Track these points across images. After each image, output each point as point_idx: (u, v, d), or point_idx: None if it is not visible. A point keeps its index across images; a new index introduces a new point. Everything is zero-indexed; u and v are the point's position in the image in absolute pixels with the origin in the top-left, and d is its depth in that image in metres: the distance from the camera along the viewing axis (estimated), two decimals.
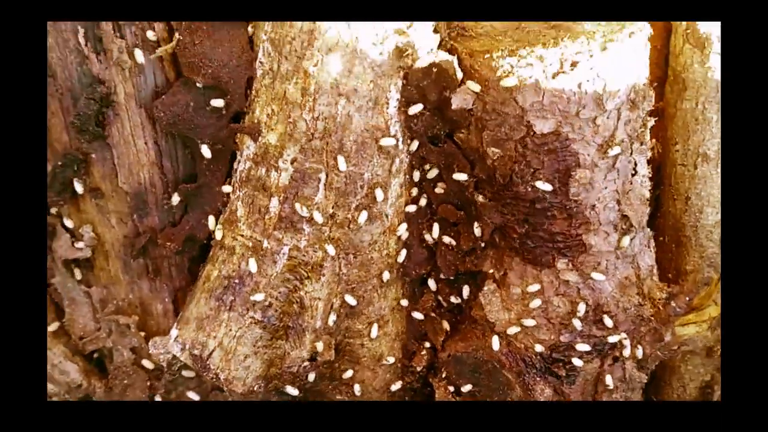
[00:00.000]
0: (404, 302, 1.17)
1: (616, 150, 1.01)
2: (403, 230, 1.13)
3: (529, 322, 1.12)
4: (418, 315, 1.21)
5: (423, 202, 1.15)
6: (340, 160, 1.02)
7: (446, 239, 1.16)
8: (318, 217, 1.05)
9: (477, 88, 0.97)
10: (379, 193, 1.06)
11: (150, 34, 1.03)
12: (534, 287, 1.10)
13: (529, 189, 1.04)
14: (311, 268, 1.09)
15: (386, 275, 1.13)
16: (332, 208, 1.06)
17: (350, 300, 1.12)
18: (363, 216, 1.07)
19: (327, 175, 1.04)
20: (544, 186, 1.02)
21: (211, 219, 1.11)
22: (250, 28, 1.04)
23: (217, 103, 1.03)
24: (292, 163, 1.03)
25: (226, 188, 1.10)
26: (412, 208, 1.14)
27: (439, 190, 1.15)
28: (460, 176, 1.09)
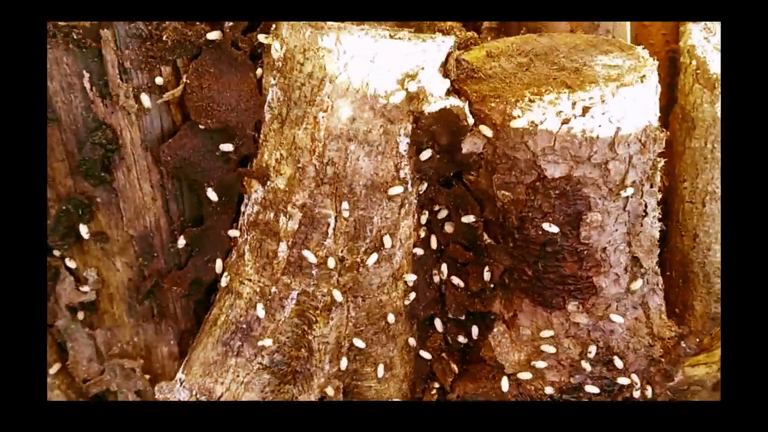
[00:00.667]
0: (412, 341, 1.16)
1: (628, 191, 1.01)
2: (411, 272, 1.12)
3: (540, 364, 1.11)
4: (426, 355, 1.19)
5: (432, 242, 1.13)
6: (350, 204, 1.01)
7: (455, 280, 1.15)
8: (328, 262, 1.03)
9: (489, 133, 0.97)
10: (387, 238, 1.05)
11: (158, 80, 1.02)
12: (545, 331, 1.09)
13: (540, 232, 1.03)
14: (320, 312, 1.08)
15: (392, 317, 1.12)
16: (341, 252, 1.05)
17: (359, 343, 1.11)
18: (372, 259, 1.06)
19: (336, 220, 1.02)
20: (553, 229, 1.01)
21: (219, 262, 1.10)
22: (258, 71, 1.03)
23: (227, 147, 1.02)
24: (300, 208, 1.02)
25: (233, 232, 1.08)
26: (420, 249, 1.13)
27: (447, 229, 1.14)
28: (469, 218, 1.08)
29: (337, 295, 1.07)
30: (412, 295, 1.15)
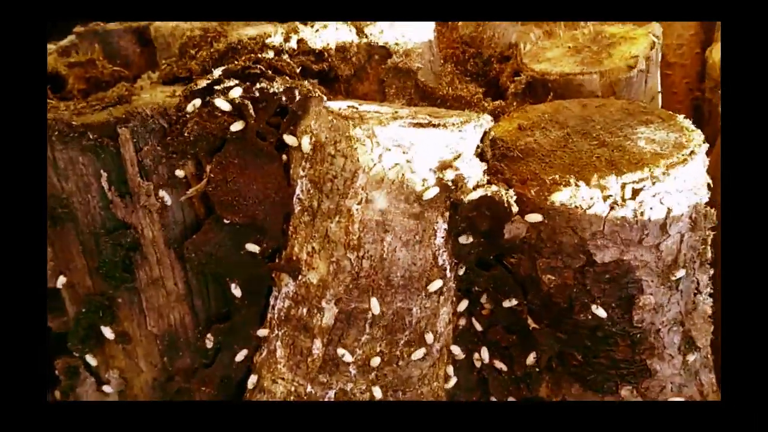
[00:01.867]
0: None
1: (681, 272, 0.95)
2: (455, 351, 1.06)
3: None
4: None
5: (473, 325, 1.08)
6: (387, 297, 0.95)
7: (498, 364, 1.09)
8: (367, 359, 0.97)
9: (538, 218, 0.91)
10: (426, 329, 0.99)
11: (179, 173, 0.97)
12: None
13: (590, 317, 0.97)
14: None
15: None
16: (380, 346, 0.99)
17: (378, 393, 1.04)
18: (413, 352, 1.00)
19: (373, 314, 0.97)
20: (602, 313, 0.95)
21: (241, 354, 1.04)
22: (284, 157, 0.98)
23: (252, 248, 0.97)
24: (336, 304, 0.96)
25: (262, 332, 1.02)
26: (461, 334, 1.07)
27: (488, 312, 1.09)
28: (511, 302, 1.02)
29: (377, 392, 1.01)
30: (453, 381, 1.09)
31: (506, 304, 1.03)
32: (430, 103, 1.14)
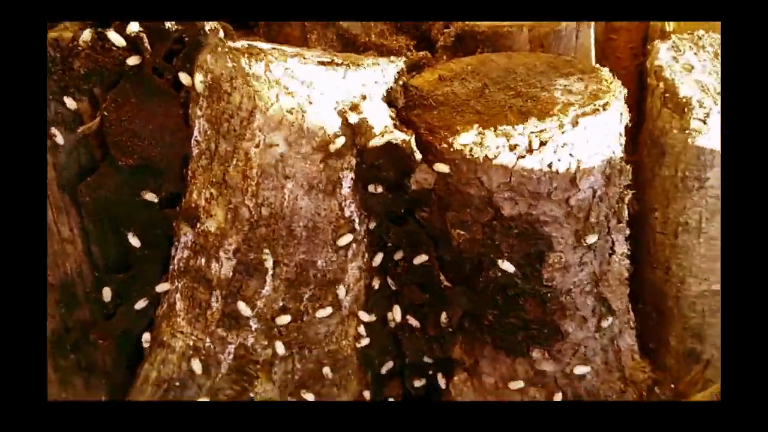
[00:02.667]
0: (366, 394, 1.06)
1: (592, 239, 0.92)
2: (363, 316, 1.02)
3: None
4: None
5: (387, 283, 1.04)
6: (289, 248, 0.91)
7: (411, 321, 1.05)
8: (267, 312, 0.93)
9: (445, 169, 0.87)
10: (334, 281, 0.95)
11: (69, 102, 0.91)
12: (509, 379, 0.99)
13: (499, 273, 0.94)
14: (261, 366, 0.98)
15: (343, 367, 1.02)
16: (282, 301, 0.95)
17: (308, 396, 1.01)
18: (318, 307, 0.96)
19: (275, 266, 0.92)
20: (509, 268, 0.92)
21: (141, 303, 0.99)
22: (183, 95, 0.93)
23: (150, 196, 0.92)
24: (234, 254, 0.92)
25: (161, 287, 0.98)
26: (374, 291, 1.03)
27: (402, 270, 1.05)
28: (422, 259, 0.98)
29: (280, 348, 0.97)
30: (365, 341, 1.05)
31: (418, 260, 1.00)
32: (352, 51, 1.09)
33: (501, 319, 0.98)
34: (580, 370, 1.00)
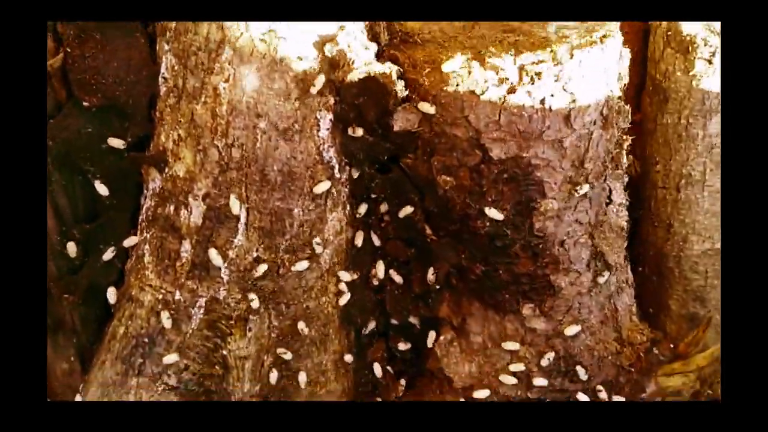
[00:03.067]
0: (348, 358, 1.00)
1: (589, 175, 0.86)
2: (344, 272, 0.96)
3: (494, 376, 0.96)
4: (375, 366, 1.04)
5: (371, 238, 0.97)
6: (263, 194, 0.85)
7: (396, 278, 0.99)
8: (240, 264, 0.87)
9: (431, 109, 0.81)
10: (311, 234, 0.89)
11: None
12: (500, 338, 0.94)
13: (487, 224, 0.88)
14: (234, 322, 0.92)
15: (323, 325, 0.96)
16: (256, 251, 0.89)
17: (285, 355, 0.95)
18: (295, 260, 0.90)
19: (248, 213, 0.86)
20: (496, 215, 0.85)
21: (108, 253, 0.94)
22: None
23: (116, 142, 0.86)
24: (204, 200, 0.86)
25: (130, 240, 0.92)
26: (357, 246, 0.97)
27: (387, 224, 0.99)
28: (407, 210, 0.92)
29: (254, 302, 0.91)
30: (347, 298, 0.99)
31: (403, 213, 0.94)
32: None
33: (490, 273, 0.93)
34: (573, 329, 0.94)
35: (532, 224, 0.87)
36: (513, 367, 0.95)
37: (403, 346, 1.05)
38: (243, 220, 0.87)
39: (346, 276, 0.97)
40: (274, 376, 0.97)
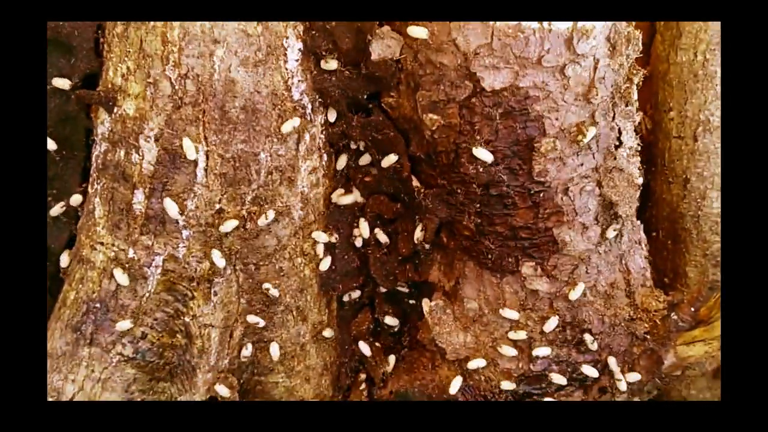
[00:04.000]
0: (328, 333, 0.89)
1: (596, 110, 0.75)
2: (321, 233, 0.86)
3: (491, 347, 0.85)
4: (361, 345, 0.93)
5: (339, 194, 0.88)
6: (224, 135, 0.75)
7: (381, 237, 0.89)
8: (200, 215, 0.77)
9: (422, 33, 0.71)
10: (281, 183, 0.78)
11: None
12: (497, 303, 0.82)
13: (481, 169, 0.77)
14: (196, 284, 0.82)
15: (300, 291, 0.86)
16: (218, 202, 0.78)
17: (257, 322, 0.84)
18: (263, 212, 0.79)
19: (207, 157, 0.76)
20: (486, 156, 0.75)
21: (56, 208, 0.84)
22: None
23: (61, 83, 0.76)
24: (156, 141, 0.75)
25: (75, 199, 0.82)
26: (338, 203, 0.88)
27: (369, 177, 0.89)
28: (390, 159, 0.82)
29: (219, 260, 0.80)
30: (327, 262, 0.88)
31: (386, 162, 0.83)
32: None
33: (484, 228, 0.82)
34: (579, 290, 0.82)
35: (531, 168, 0.76)
36: (513, 335, 0.84)
37: (391, 321, 0.94)
38: (201, 165, 0.77)
39: (323, 237, 0.86)
40: (246, 349, 0.86)
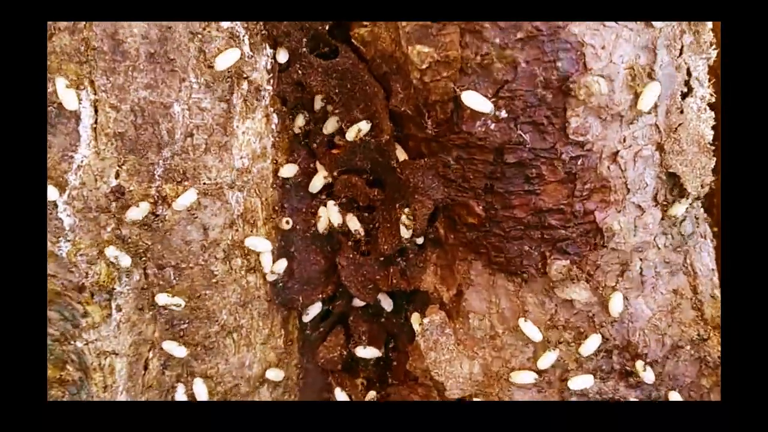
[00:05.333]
0: (276, 375, 0.67)
1: (657, 35, 0.51)
2: (273, 221, 0.67)
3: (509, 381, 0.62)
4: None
5: (295, 170, 0.68)
6: (117, 76, 0.51)
7: (354, 225, 0.69)
8: (87, 196, 0.54)
9: None
10: (210, 148, 0.60)
11: None
12: (514, 318, 0.58)
13: (492, 126, 0.53)
14: (90, 295, 0.61)
15: (241, 306, 0.63)
16: (114, 176, 0.55)
17: (179, 352, 0.61)
18: (182, 191, 0.56)
19: (95, 109, 0.52)
20: (485, 106, 0.52)
21: None
22: None
23: None
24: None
25: None
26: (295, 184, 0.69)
27: (340, 150, 0.69)
28: (363, 126, 0.59)
29: (123, 259, 0.58)
30: (280, 265, 0.68)
31: (357, 128, 0.60)
32: None
33: (498, 212, 0.59)
34: (631, 301, 0.58)
35: (565, 123, 0.53)
36: (540, 363, 0.60)
37: (367, 352, 0.71)
38: (87, 120, 0.55)
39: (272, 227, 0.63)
40: (177, 391, 0.64)
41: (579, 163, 0.58)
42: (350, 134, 0.63)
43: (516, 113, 0.56)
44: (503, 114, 0.55)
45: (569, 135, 0.57)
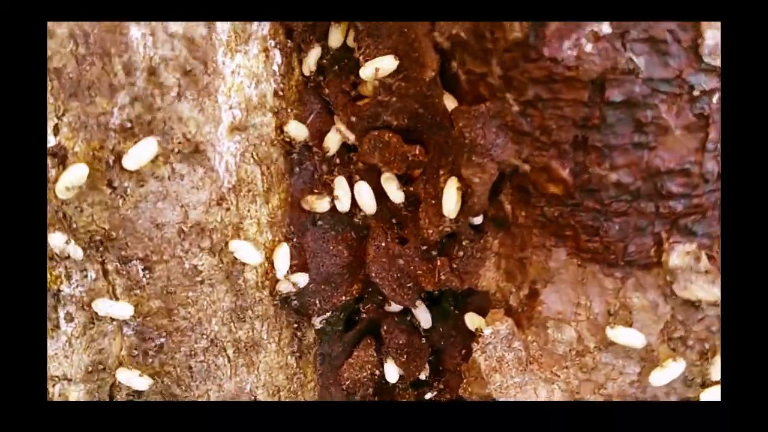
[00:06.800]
0: (309, 393, 0.61)
1: None
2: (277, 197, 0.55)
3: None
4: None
5: (304, 131, 0.55)
6: None
7: (396, 197, 0.56)
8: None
9: None
10: (184, 93, 0.48)
11: None
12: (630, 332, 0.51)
13: (589, 47, 0.38)
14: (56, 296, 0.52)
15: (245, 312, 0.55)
16: (56, 133, 0.47)
17: (135, 381, 0.51)
18: (141, 150, 0.43)
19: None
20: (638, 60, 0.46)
21: None
22: None
23: None
24: None
25: None
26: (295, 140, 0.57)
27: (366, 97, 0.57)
28: (376, 66, 0.52)
29: (73, 250, 0.49)
30: (302, 280, 0.56)
31: (374, 66, 0.52)
32: None
33: (594, 176, 0.45)
34: None
35: (698, 38, 0.40)
36: (654, 377, 0.53)
37: (397, 374, 0.61)
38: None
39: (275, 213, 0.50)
40: None
41: (715, 100, 0.44)
42: (365, 72, 0.47)
43: (625, 26, 0.39)
44: (605, 29, 0.38)
45: (703, 58, 0.44)
